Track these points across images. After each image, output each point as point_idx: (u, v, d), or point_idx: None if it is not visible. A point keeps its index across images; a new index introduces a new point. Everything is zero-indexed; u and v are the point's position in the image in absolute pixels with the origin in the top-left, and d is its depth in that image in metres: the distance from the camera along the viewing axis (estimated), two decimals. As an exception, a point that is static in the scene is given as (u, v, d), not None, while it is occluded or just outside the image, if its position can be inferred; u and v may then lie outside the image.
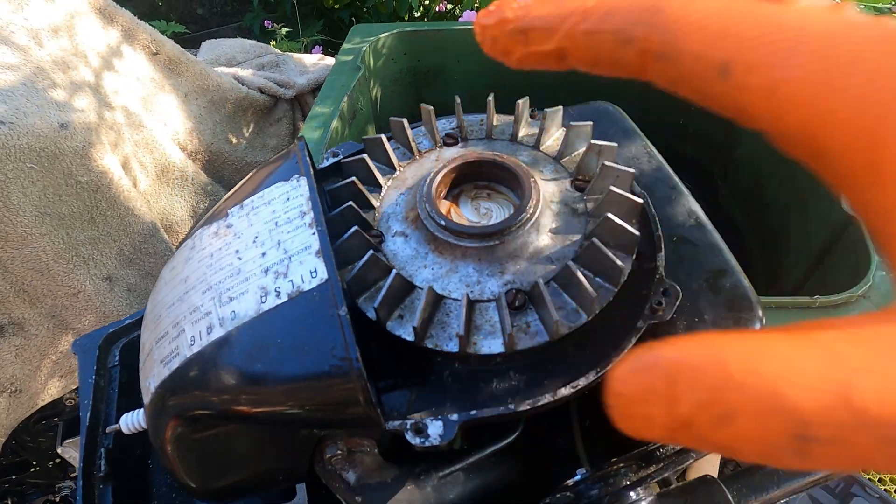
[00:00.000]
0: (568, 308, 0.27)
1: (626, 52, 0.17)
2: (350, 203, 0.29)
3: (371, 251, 0.27)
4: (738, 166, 0.99)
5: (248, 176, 0.33)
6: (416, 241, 0.29)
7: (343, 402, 0.25)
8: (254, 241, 0.28)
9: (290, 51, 1.37)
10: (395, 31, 1.00)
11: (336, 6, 1.96)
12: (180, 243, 0.33)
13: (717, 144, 1.04)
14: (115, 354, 0.44)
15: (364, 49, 0.95)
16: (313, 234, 0.27)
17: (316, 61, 1.18)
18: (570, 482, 0.35)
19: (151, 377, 0.29)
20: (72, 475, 0.91)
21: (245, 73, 1.06)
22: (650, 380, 0.13)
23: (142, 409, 0.35)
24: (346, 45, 0.98)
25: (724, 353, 0.13)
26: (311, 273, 0.26)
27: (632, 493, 0.35)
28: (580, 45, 0.17)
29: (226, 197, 0.32)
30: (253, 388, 0.26)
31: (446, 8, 1.62)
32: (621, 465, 0.35)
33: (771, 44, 0.15)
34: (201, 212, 0.86)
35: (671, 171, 0.36)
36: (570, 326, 0.27)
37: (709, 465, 1.52)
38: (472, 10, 1.23)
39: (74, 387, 0.74)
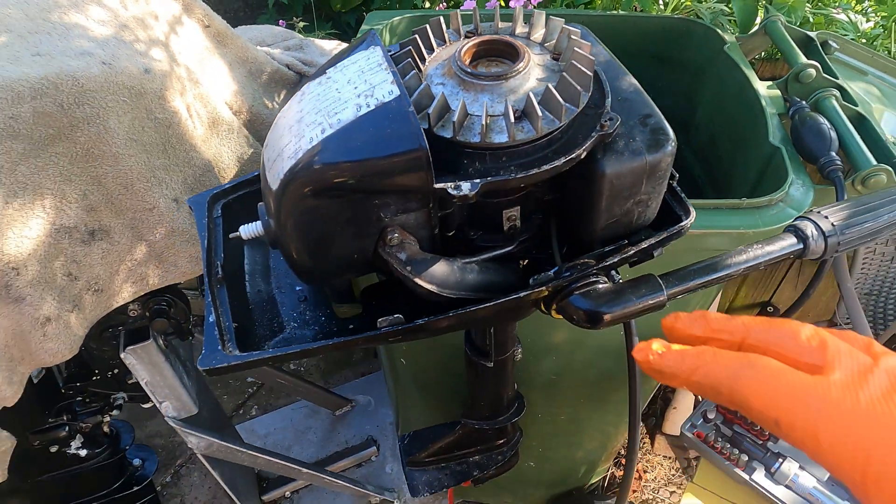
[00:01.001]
0: (548, 118, 0.43)
1: (716, 398, 0.36)
2: (409, 60, 0.45)
3: (424, 83, 0.43)
4: (696, 130, 1.17)
5: (336, 53, 0.49)
6: (451, 86, 0.45)
7: (412, 167, 0.41)
8: (348, 82, 0.45)
9: (308, 41, 1.54)
10: (406, 16, 1.17)
11: (343, 10, 2.14)
12: (287, 98, 0.49)
13: (679, 115, 1.22)
14: (217, 209, 0.59)
15: (381, 29, 1.12)
16: (388, 73, 0.43)
17: (334, 46, 1.35)
18: (550, 271, 0.51)
19: (280, 169, 0.44)
20: (129, 382, 1.04)
21: (275, 51, 1.22)
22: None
23: (258, 221, 0.51)
24: (364, 27, 1.16)
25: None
26: (389, 93, 0.42)
27: (592, 277, 0.51)
28: (693, 387, 0.37)
29: (322, 66, 0.48)
30: (353, 163, 0.42)
31: (446, 6, 1.80)
32: (585, 259, 0.51)
33: (804, 407, 0.31)
34: (247, 158, 1.01)
35: (620, 63, 0.52)
36: (549, 128, 0.43)
37: (683, 419, 1.64)
38: (470, 0, 1.41)
39: (143, 293, 0.89)
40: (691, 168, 1.18)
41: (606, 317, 0.50)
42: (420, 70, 0.47)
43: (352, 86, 0.44)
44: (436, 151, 0.43)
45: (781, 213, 0.73)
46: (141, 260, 0.86)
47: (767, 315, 1.54)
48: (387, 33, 1.14)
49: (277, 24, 2.10)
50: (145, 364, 0.98)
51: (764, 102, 0.92)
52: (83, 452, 1.16)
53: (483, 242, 0.55)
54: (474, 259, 0.51)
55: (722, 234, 0.73)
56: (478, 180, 0.42)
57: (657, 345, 0.40)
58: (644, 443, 1.77)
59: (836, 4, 1.31)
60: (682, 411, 1.67)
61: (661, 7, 1.23)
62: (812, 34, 1.09)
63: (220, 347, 0.48)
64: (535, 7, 1.30)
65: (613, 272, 0.52)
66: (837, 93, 0.92)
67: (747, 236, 0.73)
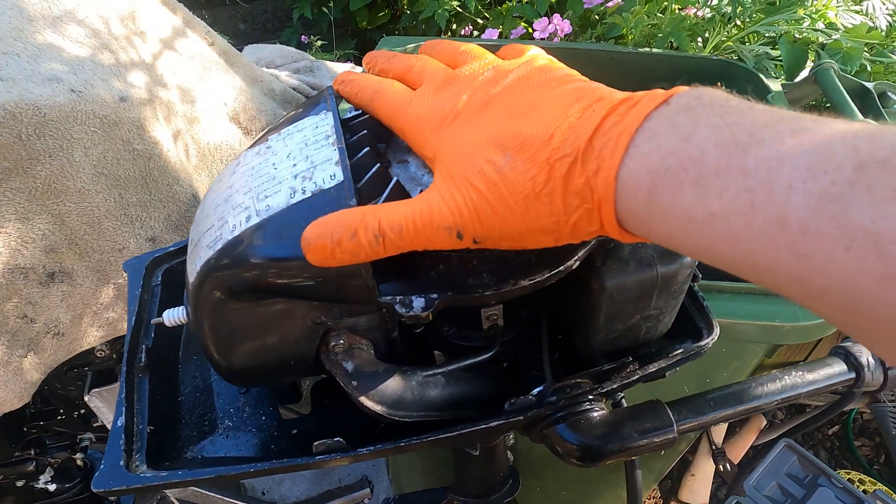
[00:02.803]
0: (531, 219, 0.34)
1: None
2: (364, 131, 0.37)
3: (378, 164, 0.35)
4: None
5: (286, 115, 0.40)
6: (414, 166, 0.36)
7: (349, 275, 0.32)
8: (287, 156, 0.36)
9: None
10: (420, 44, 1.09)
11: (369, 27, 2.08)
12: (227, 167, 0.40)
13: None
14: (157, 275, 0.51)
15: (391, 56, 1.04)
16: (334, 149, 0.35)
17: (349, 70, 1.28)
18: (533, 392, 0.41)
19: (198, 260, 0.36)
20: (95, 424, 0.98)
21: (282, 74, 1.16)
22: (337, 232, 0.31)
23: (182, 307, 0.42)
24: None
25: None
26: (331, 177, 0.34)
27: (586, 404, 0.41)
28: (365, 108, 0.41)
29: (267, 129, 0.40)
30: (279, 263, 0.33)
31: (471, 32, 1.73)
32: (578, 380, 0.41)
33: (398, 116, 0.37)
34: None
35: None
36: (531, 232, 0.33)
37: (701, 486, 1.52)
38: (493, 29, 1.33)
39: (111, 337, 0.82)
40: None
41: (606, 454, 0.40)
42: (383, 141, 0.38)
43: (291, 161, 0.36)
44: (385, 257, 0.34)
45: (826, 305, 0.62)
46: (108, 303, 0.79)
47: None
48: (398, 62, 1.06)
49: (300, 39, 2.06)
50: (111, 407, 0.91)
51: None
52: (52, 487, 1.09)
53: (458, 340, 0.46)
54: (440, 371, 0.41)
55: (754, 325, 0.62)
56: (434, 295, 0.33)
57: None
58: (657, 508, 1.64)
59: (897, 49, 1.18)
60: (700, 479, 1.54)
61: (699, 46, 1.13)
62: (869, 84, 0.98)
63: (122, 463, 0.39)
64: (562, 39, 1.21)
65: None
66: (898, 158, 0.80)
67: (783, 330, 0.62)
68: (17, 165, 0.67)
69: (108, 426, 0.92)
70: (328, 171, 0.34)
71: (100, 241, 0.75)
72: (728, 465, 1.38)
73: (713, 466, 1.55)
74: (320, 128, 0.37)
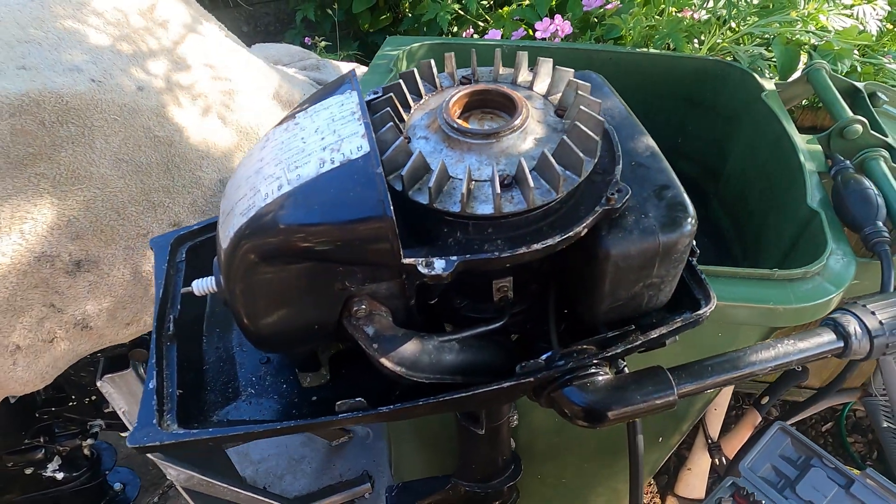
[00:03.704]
0: (543, 188, 0.36)
1: None
2: (387, 109, 0.39)
3: (402, 138, 0.37)
4: (726, 181, 1.09)
5: (310, 95, 0.43)
6: (434, 142, 0.39)
7: (375, 238, 0.35)
8: (315, 131, 0.39)
9: (328, 61, 1.50)
10: (426, 42, 1.12)
11: (371, 30, 2.12)
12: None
13: (709, 162, 1.14)
14: (181, 252, 0.54)
15: (398, 54, 1.07)
16: (360, 124, 0.37)
17: (353, 68, 1.31)
18: (542, 357, 0.44)
19: (230, 227, 0.38)
20: (106, 410, 1.00)
21: (289, 71, 1.18)
22: None
23: (211, 277, 0.45)
24: (381, 52, 1.11)
25: None
26: (358, 148, 0.36)
27: (592, 368, 0.43)
28: None
29: (293, 109, 0.43)
30: (309, 227, 0.36)
31: (472, 35, 1.76)
32: (584, 345, 0.44)
33: None
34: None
35: (637, 120, 0.46)
36: (544, 200, 0.36)
37: (698, 481, 1.55)
38: (496, 29, 1.36)
39: (139, 335, 0.84)
40: (718, 220, 1.10)
41: (609, 415, 0.42)
42: (401, 120, 0.41)
43: (319, 136, 0.38)
44: (408, 217, 0.37)
45: (818, 289, 0.65)
46: (135, 296, 0.81)
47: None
48: (405, 59, 1.09)
49: (303, 41, 2.09)
50: (123, 393, 0.93)
51: (802, 158, 0.83)
52: (60, 475, 1.11)
53: (470, 312, 0.48)
54: (454, 336, 0.44)
55: (748, 307, 0.65)
56: (454, 257, 0.36)
57: None
58: None
59: (887, 52, 1.22)
60: (696, 473, 1.56)
61: (696, 47, 1.16)
62: (859, 84, 1.01)
63: (155, 421, 0.41)
64: (562, 40, 1.24)
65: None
66: (886, 153, 0.83)
67: (777, 312, 0.65)
68: (41, 151, 0.70)
69: (120, 412, 0.94)
70: (355, 143, 0.36)
71: (125, 227, 0.77)
72: (724, 458, 1.40)
73: (709, 461, 1.58)
74: (346, 105, 0.39)
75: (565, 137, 0.36)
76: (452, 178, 0.37)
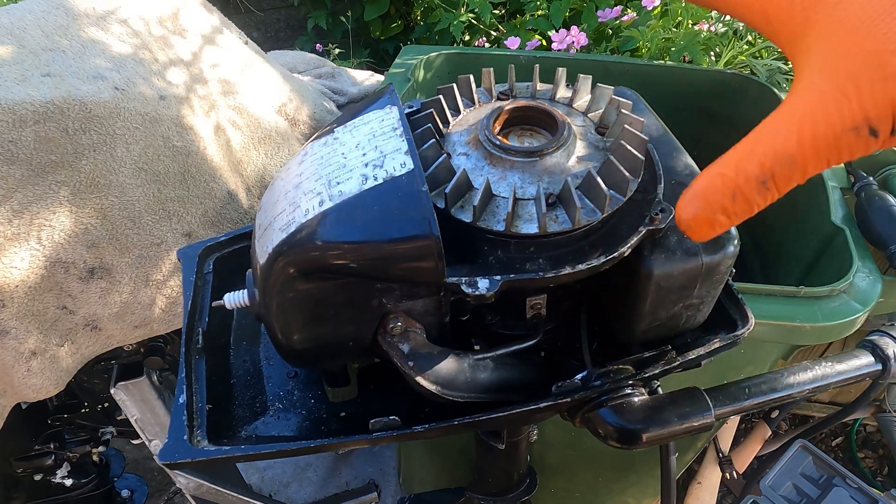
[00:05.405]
0: (587, 208, 0.36)
1: None
2: (429, 125, 0.39)
3: (444, 154, 0.37)
4: (744, 193, 1.08)
5: (347, 109, 0.43)
6: (475, 158, 0.39)
7: (419, 257, 0.35)
8: (356, 146, 0.38)
9: (342, 69, 1.50)
10: (444, 52, 1.12)
11: (382, 38, 2.12)
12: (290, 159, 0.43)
13: (727, 175, 1.13)
14: (209, 263, 0.53)
15: (415, 63, 1.07)
16: (403, 140, 0.37)
17: (367, 77, 1.31)
18: (577, 377, 0.43)
19: (269, 242, 0.38)
20: (118, 418, 0.99)
21: (305, 79, 1.18)
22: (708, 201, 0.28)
23: (244, 290, 0.44)
24: (398, 61, 1.11)
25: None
26: (401, 165, 0.36)
27: (628, 389, 0.43)
28: None
29: (330, 123, 0.42)
30: (352, 244, 0.35)
31: (484, 44, 1.76)
32: (619, 366, 0.43)
33: None
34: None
35: (674, 138, 0.45)
36: (588, 220, 0.36)
37: (708, 495, 1.53)
38: (515, 37, 1.36)
39: (147, 337, 0.83)
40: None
41: (645, 437, 0.42)
42: (441, 136, 0.41)
43: (360, 151, 0.38)
44: (451, 235, 0.36)
45: (845, 307, 0.64)
46: (145, 303, 0.81)
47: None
48: (421, 69, 1.09)
49: (315, 48, 2.09)
50: (136, 401, 0.92)
51: (824, 174, 0.83)
52: (69, 482, 1.10)
53: (502, 329, 0.48)
54: (489, 354, 0.43)
55: (773, 325, 0.64)
56: (498, 277, 0.35)
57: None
58: (663, 515, 1.65)
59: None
60: (706, 487, 1.55)
61: (713, 60, 1.16)
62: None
63: (185, 437, 0.41)
64: (578, 51, 1.24)
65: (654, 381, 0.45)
66: (909, 169, 0.83)
67: (803, 330, 0.64)
68: (62, 159, 0.70)
69: (133, 420, 0.93)
70: (398, 159, 0.36)
71: (140, 236, 0.77)
72: (734, 473, 1.39)
73: (719, 475, 1.57)
74: (386, 120, 0.39)
75: (611, 156, 0.36)
76: (496, 197, 0.37)
